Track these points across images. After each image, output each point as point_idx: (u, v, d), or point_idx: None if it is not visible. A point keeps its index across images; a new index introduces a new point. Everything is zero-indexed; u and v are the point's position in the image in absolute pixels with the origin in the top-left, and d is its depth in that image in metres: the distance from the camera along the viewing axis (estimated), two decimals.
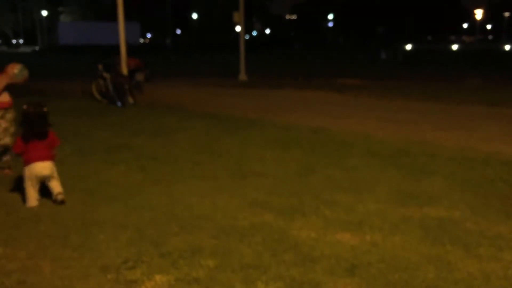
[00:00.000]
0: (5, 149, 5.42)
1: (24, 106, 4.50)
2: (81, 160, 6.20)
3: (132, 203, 4.57)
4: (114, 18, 15.26)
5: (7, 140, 5.36)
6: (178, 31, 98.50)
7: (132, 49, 16.58)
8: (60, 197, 4.53)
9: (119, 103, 11.34)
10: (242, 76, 19.98)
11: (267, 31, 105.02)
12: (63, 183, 5.14)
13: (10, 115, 5.38)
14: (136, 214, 4.28)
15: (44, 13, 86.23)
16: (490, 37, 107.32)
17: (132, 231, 3.91)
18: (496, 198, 4.68)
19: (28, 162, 4.49)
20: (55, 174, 4.62)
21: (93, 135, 7.78)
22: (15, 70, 5.25)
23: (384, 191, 4.91)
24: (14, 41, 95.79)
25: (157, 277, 3.16)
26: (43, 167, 4.50)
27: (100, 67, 12.13)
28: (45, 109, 4.56)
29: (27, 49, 74.32)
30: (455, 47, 68.58)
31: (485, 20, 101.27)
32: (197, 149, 6.82)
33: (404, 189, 4.96)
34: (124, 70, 13.01)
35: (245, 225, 4.02)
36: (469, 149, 6.77)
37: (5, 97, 5.34)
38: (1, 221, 4.13)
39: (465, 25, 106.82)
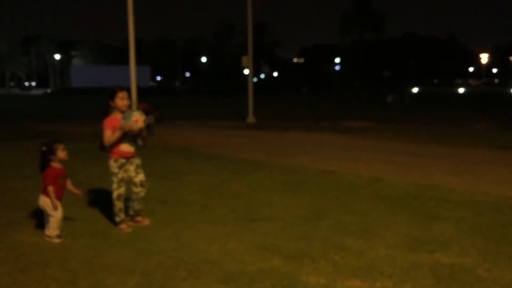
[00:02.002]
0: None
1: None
2: (90, 203, 6.21)
3: (140, 247, 4.56)
4: (125, 61, 15.57)
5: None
6: (187, 74, 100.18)
7: (143, 92, 16.85)
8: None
9: None
10: (251, 119, 20.19)
11: (275, 74, 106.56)
12: (72, 226, 5.15)
13: (131, 166, 5.12)
14: (144, 258, 4.25)
15: (57, 56, 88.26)
16: (496, 80, 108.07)
17: (140, 276, 3.88)
18: (508, 244, 4.61)
19: None
20: (46, 211, 4.75)
21: (102, 178, 7.80)
22: (122, 119, 4.87)
23: (394, 236, 4.86)
24: (26, 84, 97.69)
25: None
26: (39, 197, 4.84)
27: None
28: (43, 148, 4.79)
29: (39, 92, 75.62)
30: (461, 90, 69.12)
31: (491, 64, 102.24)
32: (205, 192, 6.83)
33: (414, 234, 4.90)
34: None
35: (253, 270, 3.98)
36: (478, 193, 6.72)
37: (126, 147, 5.04)
38: (10, 265, 4.12)
39: (471, 69, 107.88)
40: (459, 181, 7.64)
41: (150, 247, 4.55)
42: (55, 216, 4.72)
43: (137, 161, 5.18)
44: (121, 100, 4.99)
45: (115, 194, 5.06)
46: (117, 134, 4.89)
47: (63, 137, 13.54)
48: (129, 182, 5.15)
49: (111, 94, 5.00)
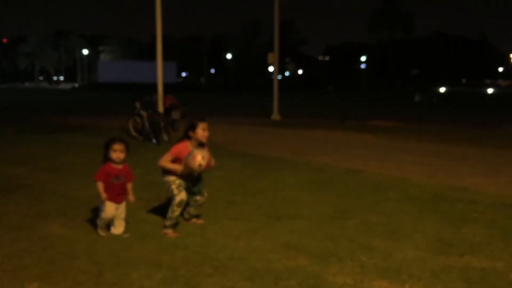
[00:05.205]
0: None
1: None
2: None
3: (166, 241, 4.57)
4: (152, 57, 15.67)
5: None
6: (213, 71, 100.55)
7: (169, 88, 16.94)
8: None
9: (154, 141, 11.53)
10: (275, 116, 20.13)
11: (300, 71, 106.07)
12: None
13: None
14: (170, 253, 4.26)
15: (85, 51, 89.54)
16: None
17: (166, 270, 3.89)
18: None
19: None
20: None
21: None
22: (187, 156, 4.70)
23: (423, 237, 4.77)
24: (55, 78, 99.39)
25: None
26: None
27: (137, 104, 12.41)
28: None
29: (67, 86, 76.93)
30: (490, 90, 67.80)
31: None
32: (231, 189, 6.82)
33: (443, 237, 4.80)
34: (160, 108, 13.29)
35: (279, 268, 3.95)
36: (510, 196, 6.56)
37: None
38: (38, 256, 4.17)
39: (500, 69, 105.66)
40: (489, 183, 7.47)
41: (175, 242, 4.55)
42: (102, 215, 4.67)
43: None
44: (202, 130, 4.83)
45: (177, 200, 4.76)
46: (175, 168, 4.77)
47: (91, 130, 13.76)
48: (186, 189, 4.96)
49: (193, 126, 4.82)
